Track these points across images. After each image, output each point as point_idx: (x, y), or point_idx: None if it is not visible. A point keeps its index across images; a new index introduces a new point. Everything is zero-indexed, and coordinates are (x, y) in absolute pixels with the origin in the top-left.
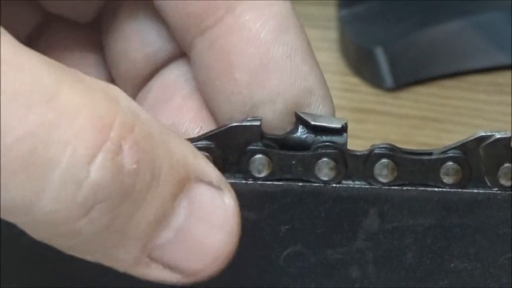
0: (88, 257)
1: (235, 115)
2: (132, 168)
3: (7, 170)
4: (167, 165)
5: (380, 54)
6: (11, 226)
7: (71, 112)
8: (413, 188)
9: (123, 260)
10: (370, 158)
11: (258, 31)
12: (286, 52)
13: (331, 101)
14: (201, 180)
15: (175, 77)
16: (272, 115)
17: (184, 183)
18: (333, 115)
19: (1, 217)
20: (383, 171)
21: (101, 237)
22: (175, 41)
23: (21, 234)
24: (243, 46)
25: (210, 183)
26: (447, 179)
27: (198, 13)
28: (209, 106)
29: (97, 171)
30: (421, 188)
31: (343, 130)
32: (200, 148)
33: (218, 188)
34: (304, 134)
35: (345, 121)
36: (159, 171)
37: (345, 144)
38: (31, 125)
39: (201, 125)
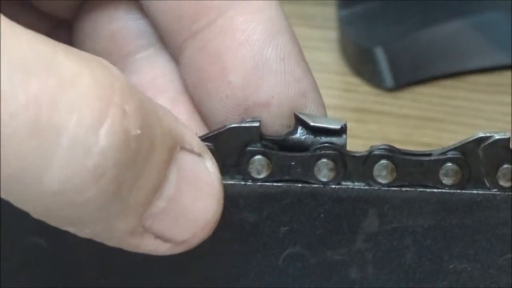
0: (87, 231)
1: (229, 119)
2: (137, 133)
3: (13, 138)
4: (159, 133)
5: (380, 54)
6: (11, 226)
7: (72, 79)
8: (412, 189)
9: (120, 231)
10: (369, 159)
11: (251, 33)
12: (280, 55)
13: (324, 106)
14: (184, 147)
15: (159, 79)
16: (267, 118)
17: (173, 151)
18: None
19: (9, 192)
20: (382, 172)
21: (106, 206)
22: (157, 44)
23: (21, 234)
24: (236, 49)
25: (192, 151)
26: (446, 180)
27: (190, 15)
28: (200, 109)
29: (106, 136)
30: (420, 189)
31: (342, 131)
32: None
33: (199, 155)
34: (303, 135)
35: (344, 122)
36: (154, 138)
37: (344, 145)
38: (34, 92)
39: (195, 131)
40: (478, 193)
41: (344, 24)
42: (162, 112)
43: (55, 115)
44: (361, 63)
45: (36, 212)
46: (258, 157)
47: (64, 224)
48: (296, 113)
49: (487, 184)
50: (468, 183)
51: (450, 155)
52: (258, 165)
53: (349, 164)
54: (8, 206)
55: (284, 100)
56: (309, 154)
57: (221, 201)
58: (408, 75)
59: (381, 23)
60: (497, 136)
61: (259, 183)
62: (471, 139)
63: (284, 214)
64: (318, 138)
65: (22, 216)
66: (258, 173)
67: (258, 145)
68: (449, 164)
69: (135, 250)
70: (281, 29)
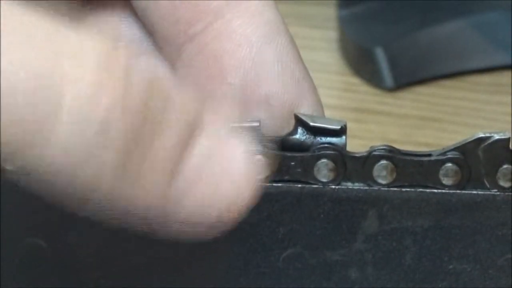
0: (115, 196)
1: None
2: (143, 85)
3: (19, 92)
4: (178, 101)
5: (380, 54)
6: (11, 226)
7: (73, 49)
8: (412, 189)
9: (152, 191)
10: (369, 159)
11: (249, 35)
12: (278, 56)
13: (322, 107)
14: (204, 128)
15: None
16: (266, 119)
17: (193, 127)
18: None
19: (19, 154)
20: (382, 173)
21: (127, 163)
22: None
23: (21, 234)
24: (235, 50)
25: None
26: (446, 181)
27: (187, 19)
28: None
29: (112, 87)
30: (420, 190)
31: (342, 131)
32: None
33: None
34: (303, 136)
35: (344, 123)
36: (171, 103)
37: (344, 145)
38: (33, 62)
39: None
40: (478, 194)
41: (344, 24)
42: (177, 92)
43: (60, 66)
44: (361, 63)
45: (50, 183)
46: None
47: (87, 194)
48: (296, 113)
49: (487, 185)
50: (468, 184)
51: (450, 155)
52: None
53: (349, 165)
54: (8, 206)
55: (283, 101)
56: (309, 154)
57: (254, 185)
58: (408, 75)
59: (381, 23)
60: (497, 137)
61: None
62: (471, 140)
63: (284, 215)
64: (318, 138)
65: (22, 216)
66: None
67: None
68: (449, 164)
69: (172, 220)
70: (278, 31)
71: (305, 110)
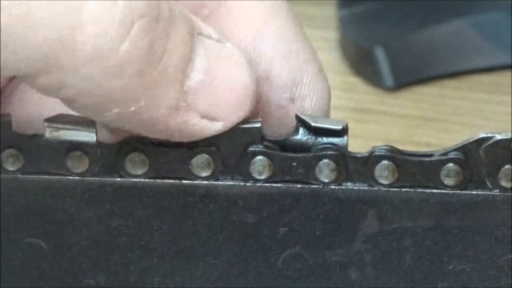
0: (131, 111)
1: None
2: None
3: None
4: (178, 11)
5: (380, 54)
6: (11, 226)
7: None
8: (412, 189)
9: (164, 106)
10: (370, 159)
11: (250, 11)
12: (278, 29)
13: (325, 77)
14: (202, 33)
15: None
16: (268, 91)
17: (193, 33)
18: (328, 90)
19: (47, 73)
20: (383, 173)
21: (144, 70)
22: None
23: (21, 234)
24: (235, 27)
25: (210, 37)
26: (448, 181)
27: (191, 10)
28: None
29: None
30: (420, 190)
31: (343, 132)
32: (200, 151)
33: (219, 41)
34: (304, 136)
35: (345, 123)
36: (175, 12)
37: (345, 146)
38: None
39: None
40: (477, 194)
41: (344, 24)
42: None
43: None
44: (361, 63)
45: (77, 94)
46: (259, 157)
47: (107, 105)
48: (298, 114)
49: (489, 185)
50: (469, 184)
51: (451, 155)
52: (260, 165)
53: (351, 165)
54: (8, 206)
55: (284, 71)
56: (311, 155)
57: (253, 75)
58: (408, 75)
59: (381, 23)
60: (498, 137)
61: (259, 184)
62: (472, 140)
63: (284, 215)
64: (319, 139)
65: (22, 216)
66: (260, 174)
67: (260, 146)
68: (451, 164)
69: (184, 130)
70: (279, 7)
71: (306, 81)
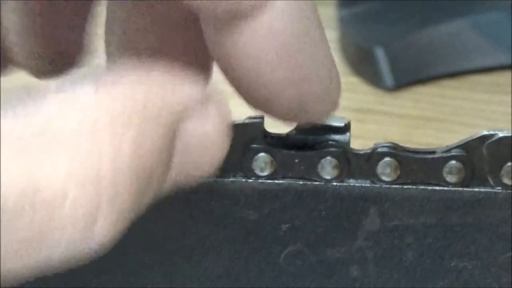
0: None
1: None
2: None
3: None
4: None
5: (380, 54)
6: None
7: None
8: (414, 186)
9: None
10: (373, 156)
11: None
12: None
13: (328, 45)
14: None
15: None
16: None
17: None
18: (330, 54)
19: None
20: (386, 170)
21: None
22: None
23: None
24: None
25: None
26: (450, 178)
27: None
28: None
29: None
30: (422, 187)
31: (346, 128)
32: None
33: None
34: (307, 133)
35: (347, 120)
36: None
37: (348, 142)
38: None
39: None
40: (480, 191)
41: (344, 24)
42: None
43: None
44: (361, 63)
45: None
46: (262, 154)
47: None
48: None
49: (491, 182)
50: (471, 181)
51: (454, 153)
52: (262, 162)
53: (353, 162)
54: None
55: (286, 36)
56: (313, 152)
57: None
58: (408, 75)
59: (381, 23)
60: (501, 134)
61: (260, 181)
62: (475, 137)
63: (285, 212)
64: (321, 136)
65: None
66: (262, 171)
67: (262, 142)
68: (453, 161)
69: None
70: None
71: (307, 45)
